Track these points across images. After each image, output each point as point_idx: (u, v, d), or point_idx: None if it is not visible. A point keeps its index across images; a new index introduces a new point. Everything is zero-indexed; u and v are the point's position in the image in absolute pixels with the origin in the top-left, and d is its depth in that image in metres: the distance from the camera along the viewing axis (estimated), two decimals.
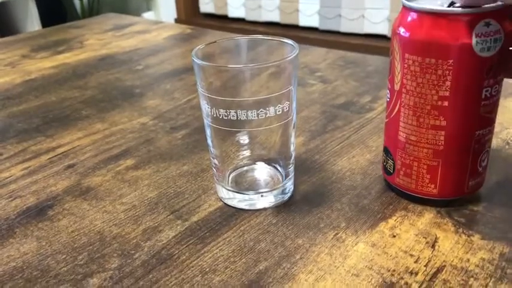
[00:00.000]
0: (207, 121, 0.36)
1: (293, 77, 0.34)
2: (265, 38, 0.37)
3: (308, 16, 1.86)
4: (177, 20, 2.37)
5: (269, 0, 1.97)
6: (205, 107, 0.35)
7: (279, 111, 0.34)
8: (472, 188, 0.35)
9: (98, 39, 0.88)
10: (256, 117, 0.33)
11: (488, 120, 0.33)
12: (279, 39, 0.37)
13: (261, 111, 0.33)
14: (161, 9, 2.47)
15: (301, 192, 0.39)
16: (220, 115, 0.34)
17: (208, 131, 0.37)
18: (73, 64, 0.75)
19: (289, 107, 0.35)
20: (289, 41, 0.36)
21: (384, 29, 1.69)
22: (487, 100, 0.32)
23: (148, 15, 2.47)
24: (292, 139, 0.37)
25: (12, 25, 2.28)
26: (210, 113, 0.34)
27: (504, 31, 0.31)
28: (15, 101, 0.62)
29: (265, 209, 0.37)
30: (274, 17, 1.99)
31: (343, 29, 1.78)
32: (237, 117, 0.33)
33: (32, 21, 2.20)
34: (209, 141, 0.37)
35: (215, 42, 0.38)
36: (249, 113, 0.33)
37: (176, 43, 0.85)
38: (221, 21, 2.20)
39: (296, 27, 1.92)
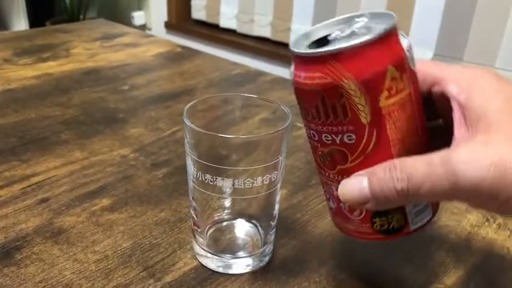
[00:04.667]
0: (191, 180, 0.35)
1: (283, 147, 0.34)
2: (261, 99, 0.36)
3: None
4: (167, 24, 2.35)
5: (262, 15, 1.97)
6: (190, 167, 0.34)
7: (266, 180, 0.33)
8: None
9: (84, 49, 0.86)
10: (242, 186, 0.32)
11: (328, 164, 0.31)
12: (275, 103, 0.36)
13: (248, 180, 0.32)
14: (152, 10, 2.44)
15: (280, 256, 0.38)
16: (205, 179, 0.33)
17: (190, 186, 0.35)
18: (56, 76, 0.73)
19: (277, 176, 0.34)
20: (285, 108, 0.35)
21: None
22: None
23: (138, 15, 2.44)
24: (276, 207, 0.36)
25: None
26: (195, 175, 0.33)
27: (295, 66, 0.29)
28: None
29: (241, 274, 0.36)
30: (266, 32, 1.98)
31: None
32: (223, 184, 0.32)
33: (18, 8, 2.15)
34: (190, 196, 0.36)
35: (208, 97, 0.37)
36: (236, 181, 0.32)
37: (165, 63, 0.84)
38: (212, 30, 2.19)
39: (287, 45, 1.92)
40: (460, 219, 0.43)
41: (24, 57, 0.80)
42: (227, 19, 2.11)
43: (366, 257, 0.39)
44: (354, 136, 0.29)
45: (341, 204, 0.32)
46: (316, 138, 0.30)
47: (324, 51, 0.27)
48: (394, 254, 0.39)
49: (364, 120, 0.28)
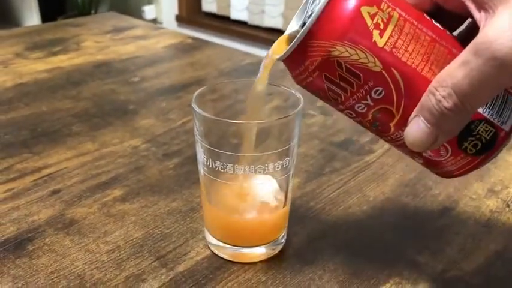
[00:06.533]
0: (201, 168, 0.34)
1: (295, 132, 0.33)
2: (273, 85, 0.36)
3: None
4: (178, 17, 2.35)
5: (273, 6, 1.95)
6: (201, 155, 0.33)
7: (278, 167, 0.32)
8: None
9: (95, 42, 0.86)
10: (254, 173, 0.32)
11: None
12: (286, 88, 0.35)
13: (260, 167, 0.32)
14: (162, 4, 2.44)
15: (294, 245, 0.37)
16: (216, 167, 0.32)
17: (201, 174, 0.35)
18: (67, 69, 0.73)
19: (289, 162, 0.33)
20: (297, 93, 0.34)
21: None
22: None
23: (149, 9, 2.44)
24: (289, 194, 0.35)
25: (7, 4, 2.24)
26: (205, 163, 0.33)
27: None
28: (4, 107, 0.60)
29: (254, 263, 0.35)
30: (277, 23, 1.97)
31: None
32: (234, 171, 0.32)
33: (30, 5, 2.16)
34: (201, 184, 0.36)
35: (217, 84, 0.36)
36: (247, 168, 0.32)
37: (175, 54, 0.83)
38: (222, 22, 2.18)
39: None
40: (479, 205, 0.42)
41: (36, 52, 0.80)
42: (238, 11, 2.10)
43: (383, 244, 0.38)
44: (380, 88, 0.27)
45: (424, 154, 0.30)
46: (354, 114, 0.29)
47: (297, 40, 0.27)
48: (411, 241, 0.38)
49: (376, 69, 0.27)
